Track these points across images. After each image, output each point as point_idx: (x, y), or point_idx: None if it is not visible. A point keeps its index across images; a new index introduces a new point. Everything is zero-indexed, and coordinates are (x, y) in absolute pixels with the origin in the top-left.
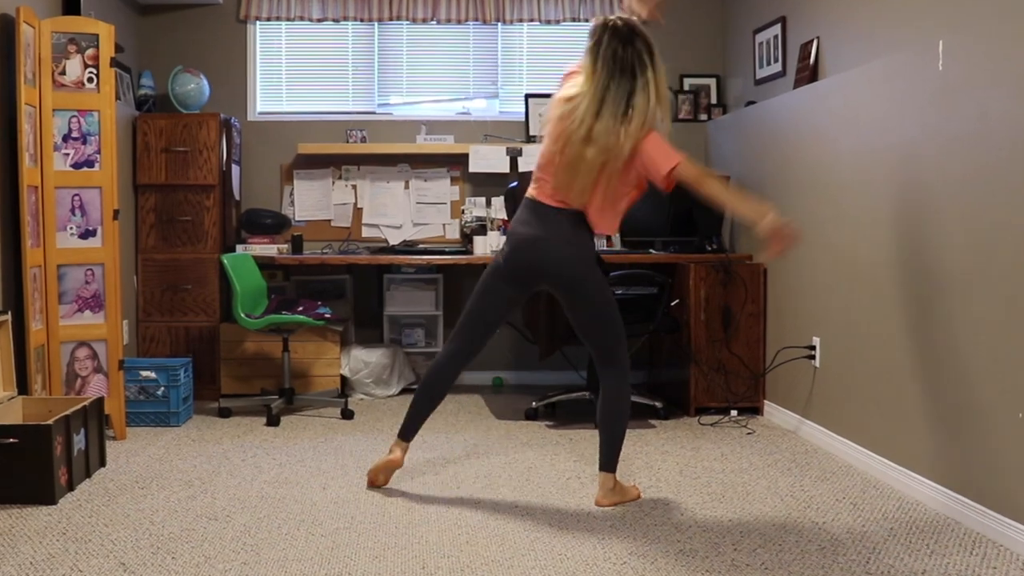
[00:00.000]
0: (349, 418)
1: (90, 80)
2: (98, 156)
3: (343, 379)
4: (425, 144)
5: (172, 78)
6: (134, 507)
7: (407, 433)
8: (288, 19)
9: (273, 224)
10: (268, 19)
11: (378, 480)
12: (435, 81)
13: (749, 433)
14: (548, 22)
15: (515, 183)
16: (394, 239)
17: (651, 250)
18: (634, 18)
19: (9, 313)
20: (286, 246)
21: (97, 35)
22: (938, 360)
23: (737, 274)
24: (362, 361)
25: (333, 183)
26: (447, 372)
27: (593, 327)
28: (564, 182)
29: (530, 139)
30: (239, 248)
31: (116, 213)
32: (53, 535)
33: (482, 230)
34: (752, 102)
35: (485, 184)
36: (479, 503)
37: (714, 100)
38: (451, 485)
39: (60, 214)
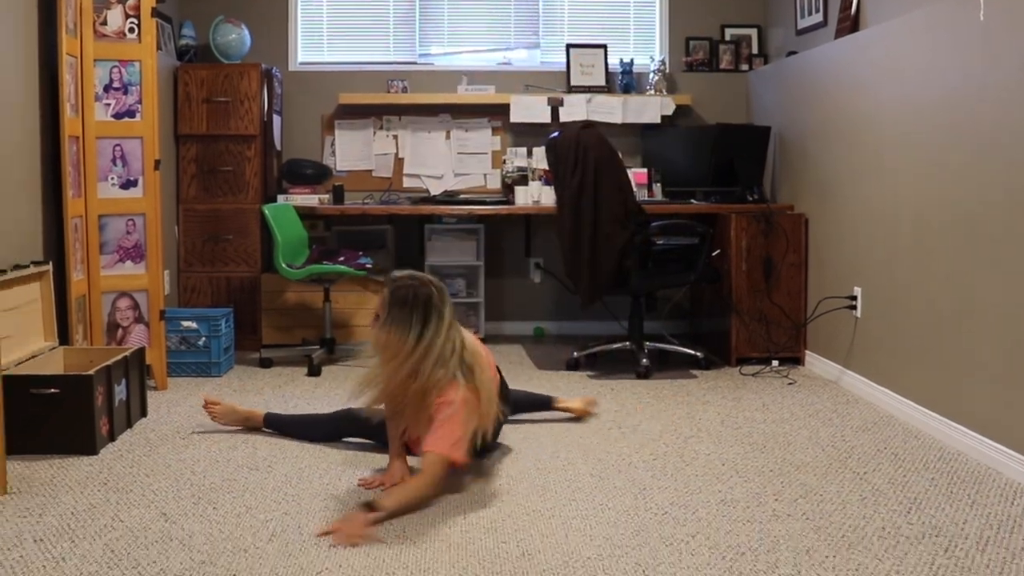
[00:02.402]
0: None
1: (131, 30)
2: (139, 106)
3: None
4: (466, 94)
5: (213, 28)
6: (175, 457)
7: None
8: None
9: (314, 174)
10: None
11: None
12: (476, 31)
13: (790, 383)
14: None
15: (556, 133)
16: (435, 189)
17: (692, 200)
18: None
19: (50, 264)
20: (327, 196)
21: None
22: (980, 310)
23: (778, 224)
24: None
25: (374, 133)
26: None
27: None
28: None
29: (571, 89)
30: (280, 198)
31: (157, 163)
32: (94, 485)
33: (523, 180)
34: (793, 52)
35: (526, 134)
36: (520, 454)
37: (755, 50)
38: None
39: (101, 164)
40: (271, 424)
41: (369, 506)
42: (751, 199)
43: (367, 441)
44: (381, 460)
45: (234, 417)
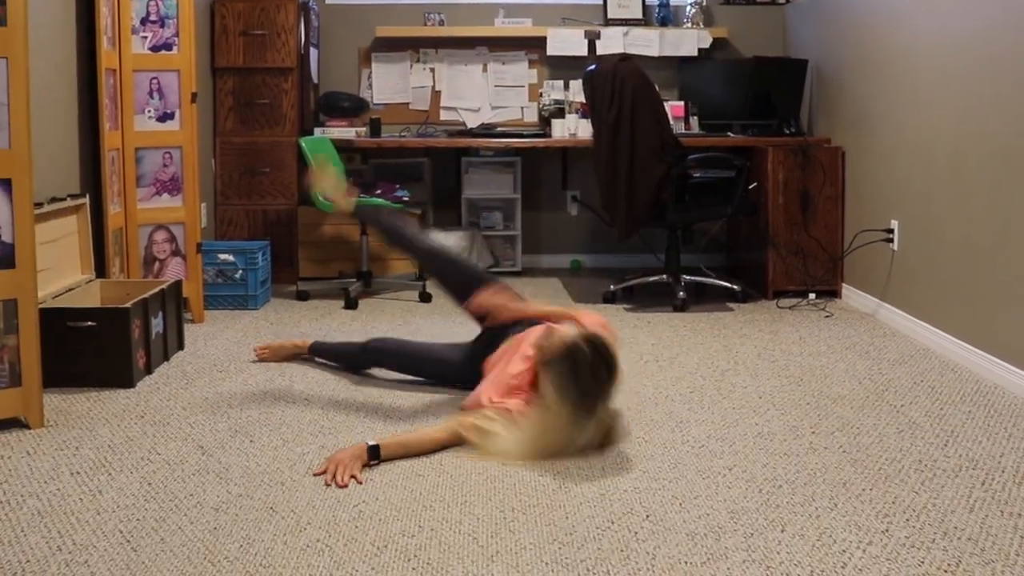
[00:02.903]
0: (427, 301)
1: None
2: (176, 39)
3: None
4: (503, 27)
5: None
6: (212, 390)
7: None
8: None
9: (351, 107)
10: None
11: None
12: None
13: (827, 316)
14: None
15: (593, 66)
16: (472, 122)
17: (729, 133)
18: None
19: (87, 196)
20: (364, 129)
21: None
22: (1017, 243)
23: (815, 157)
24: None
25: (411, 66)
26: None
27: None
28: None
29: (608, 22)
30: (317, 131)
31: (194, 96)
32: (131, 418)
33: (560, 113)
34: None
35: (563, 67)
36: None
37: None
38: None
39: (138, 97)
40: (317, 352)
41: (374, 451)
42: (788, 132)
43: (404, 376)
44: (420, 401)
45: (284, 353)
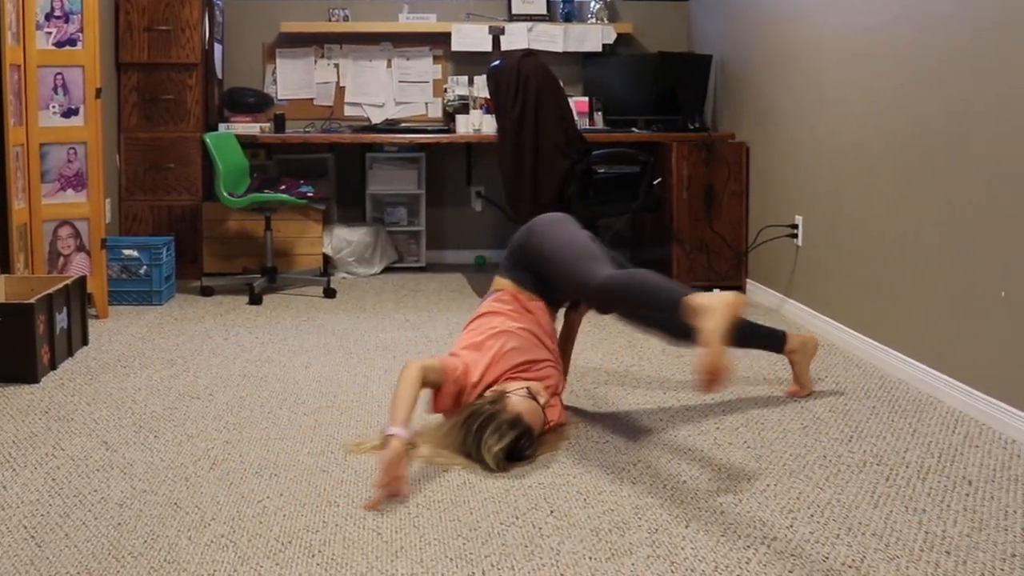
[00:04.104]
0: (331, 297)
1: None
2: (80, 35)
3: (325, 258)
4: (407, 23)
5: None
6: (116, 386)
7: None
8: None
9: (255, 103)
10: None
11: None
12: None
13: None
14: None
15: (497, 62)
16: (376, 118)
17: (633, 129)
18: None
19: None
20: (268, 125)
21: None
22: (921, 239)
23: (720, 153)
24: (344, 240)
25: (316, 62)
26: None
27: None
28: None
29: (512, 18)
30: (221, 127)
31: (99, 92)
32: (35, 414)
33: (464, 109)
34: None
35: (467, 63)
36: None
37: None
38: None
39: (43, 93)
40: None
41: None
42: (692, 128)
43: (307, 367)
44: (324, 397)
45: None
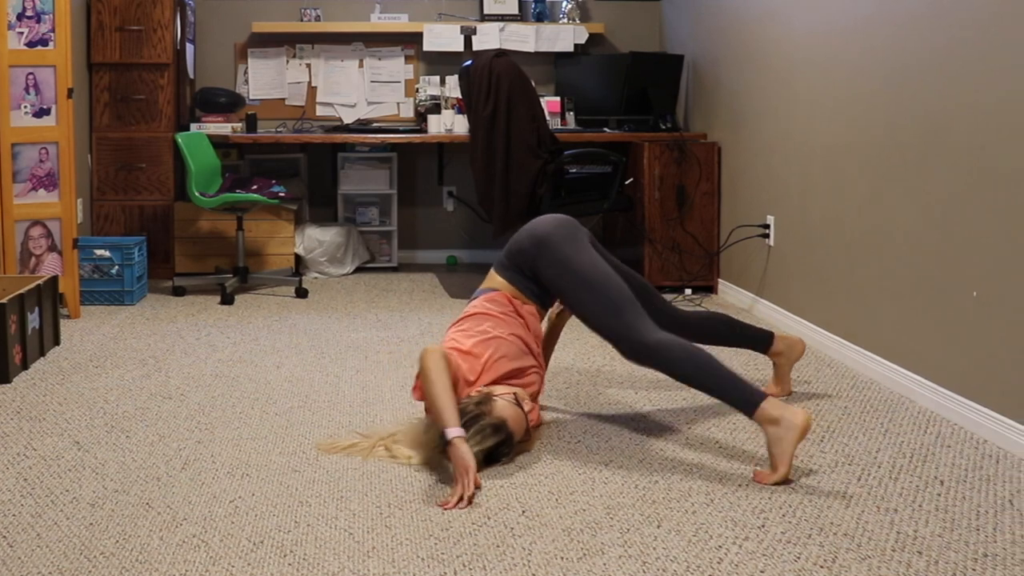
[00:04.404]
0: (303, 297)
1: None
2: (52, 35)
3: (297, 258)
4: (379, 23)
5: None
6: (88, 386)
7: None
8: None
9: (227, 103)
10: None
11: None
12: None
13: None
14: None
15: (469, 62)
16: (348, 118)
17: (605, 129)
18: None
19: None
20: (240, 125)
21: None
22: (893, 240)
23: (691, 153)
24: (316, 240)
25: (287, 62)
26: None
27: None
28: None
29: (484, 18)
30: (193, 127)
31: (70, 92)
32: (7, 414)
33: (436, 109)
34: None
35: (439, 63)
36: None
37: None
38: (405, 363)
39: (14, 93)
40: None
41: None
42: (664, 128)
43: (280, 367)
44: (296, 397)
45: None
